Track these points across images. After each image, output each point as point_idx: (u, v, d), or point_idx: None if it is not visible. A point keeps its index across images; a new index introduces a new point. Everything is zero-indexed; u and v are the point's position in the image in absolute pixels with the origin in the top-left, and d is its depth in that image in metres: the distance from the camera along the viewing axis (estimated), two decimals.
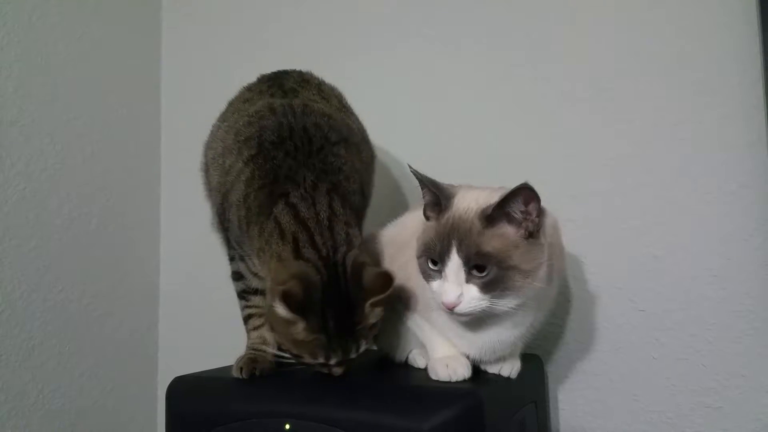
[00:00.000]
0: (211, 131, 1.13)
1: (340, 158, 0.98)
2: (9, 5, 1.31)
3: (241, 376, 0.94)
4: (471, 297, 0.80)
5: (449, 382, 0.86)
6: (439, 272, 0.83)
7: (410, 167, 0.90)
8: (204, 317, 1.54)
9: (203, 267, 1.49)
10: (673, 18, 1.20)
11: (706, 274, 1.14)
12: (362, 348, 0.89)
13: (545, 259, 0.84)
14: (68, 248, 1.40)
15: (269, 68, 1.55)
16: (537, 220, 0.82)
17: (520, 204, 0.81)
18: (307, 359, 0.88)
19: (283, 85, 1.09)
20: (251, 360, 0.97)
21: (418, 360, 0.99)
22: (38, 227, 1.34)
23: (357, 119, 1.14)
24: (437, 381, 0.87)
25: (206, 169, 1.11)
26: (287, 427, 0.84)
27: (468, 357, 0.91)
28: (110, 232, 1.51)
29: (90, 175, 1.47)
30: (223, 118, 1.12)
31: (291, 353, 0.90)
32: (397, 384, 0.94)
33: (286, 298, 0.83)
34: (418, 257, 0.87)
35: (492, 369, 0.93)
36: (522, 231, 0.82)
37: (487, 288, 0.80)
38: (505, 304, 0.81)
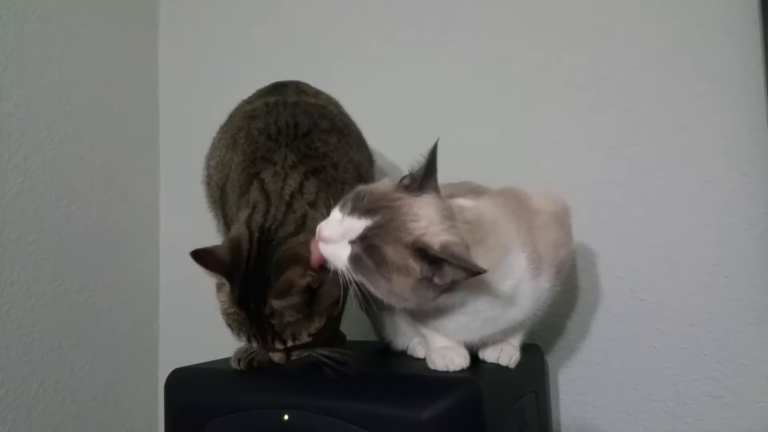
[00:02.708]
0: (212, 144, 1.13)
1: (329, 145, 0.97)
2: None
3: (239, 368, 0.94)
4: (339, 254, 0.78)
5: (447, 372, 0.86)
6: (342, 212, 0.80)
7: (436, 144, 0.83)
8: (204, 309, 1.53)
9: None
10: (673, 5, 1.19)
11: (707, 263, 1.14)
12: (289, 343, 0.85)
13: (422, 302, 0.79)
14: (67, 242, 1.40)
15: (265, 62, 1.56)
16: (446, 286, 0.77)
17: (446, 271, 0.75)
18: (236, 336, 0.88)
19: (280, 93, 1.08)
20: (249, 351, 0.97)
21: (417, 350, 0.99)
22: (37, 221, 1.34)
23: (355, 126, 1.13)
24: (436, 371, 0.87)
25: (208, 181, 1.11)
26: (286, 417, 0.84)
27: (462, 342, 0.90)
28: (109, 225, 1.51)
29: (88, 168, 1.46)
30: (224, 129, 1.11)
31: (225, 323, 0.89)
32: (396, 374, 0.93)
33: (196, 255, 0.84)
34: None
35: (490, 358, 0.92)
36: (424, 278, 0.76)
37: (355, 264, 0.77)
38: (367, 287, 0.78)
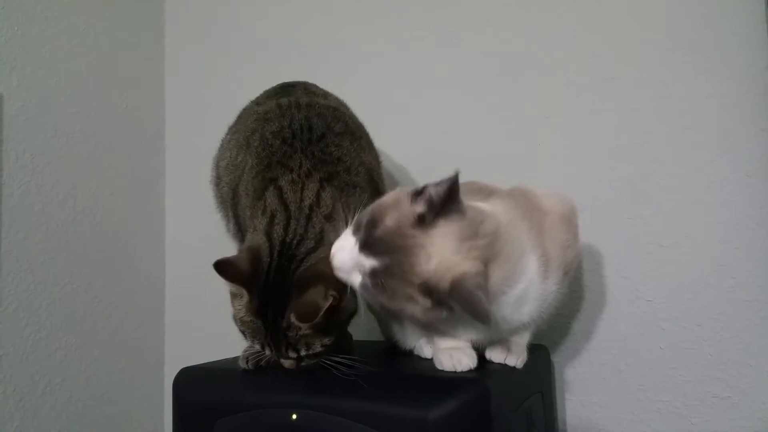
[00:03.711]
0: (221, 145, 1.13)
1: (342, 149, 0.97)
2: None
3: (247, 367, 0.94)
4: (351, 279, 0.80)
5: (455, 372, 0.86)
6: (355, 238, 0.80)
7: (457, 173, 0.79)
8: (211, 308, 1.54)
9: (209, 258, 1.49)
10: (677, 5, 1.19)
11: (713, 264, 1.14)
12: (302, 353, 0.86)
13: (437, 320, 0.81)
14: (74, 241, 1.40)
15: (271, 62, 1.57)
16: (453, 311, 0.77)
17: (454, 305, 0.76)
18: (249, 341, 0.89)
19: (290, 94, 1.09)
20: (259, 353, 0.97)
21: (425, 350, 0.99)
22: (43, 220, 1.34)
23: (363, 127, 1.12)
24: (443, 371, 0.87)
25: (217, 182, 1.11)
26: (294, 416, 0.84)
27: (470, 342, 0.90)
28: (116, 224, 1.51)
29: (95, 168, 1.47)
30: (234, 131, 1.11)
31: (238, 329, 0.90)
32: (403, 374, 0.94)
33: (217, 266, 0.84)
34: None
35: (497, 359, 0.92)
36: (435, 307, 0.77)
37: (366, 291, 0.79)
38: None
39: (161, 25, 1.70)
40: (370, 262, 0.77)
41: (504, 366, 0.92)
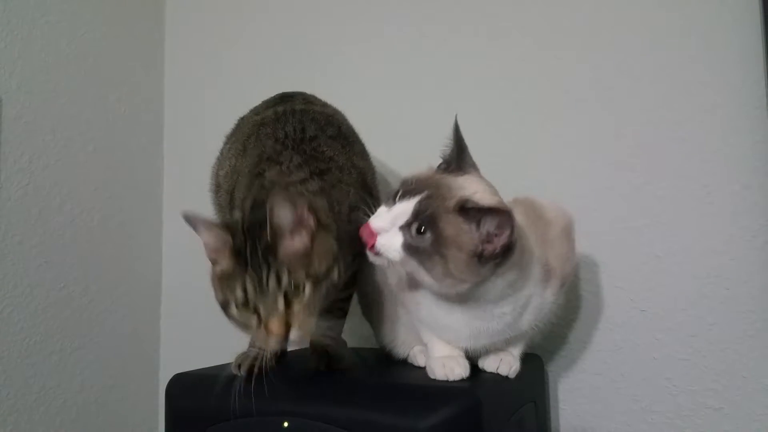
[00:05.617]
0: (221, 154, 1.13)
1: (334, 150, 0.97)
2: (12, 2, 1.31)
3: (240, 374, 0.94)
4: (392, 243, 0.80)
5: (447, 382, 0.86)
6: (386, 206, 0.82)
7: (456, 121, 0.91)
8: (206, 314, 1.54)
9: (205, 264, 1.49)
10: (675, 16, 1.19)
11: (707, 275, 1.14)
12: (284, 281, 0.81)
13: (476, 279, 0.79)
14: (70, 245, 1.40)
15: (270, 67, 1.57)
16: (498, 251, 0.77)
17: (493, 224, 0.77)
18: (230, 302, 0.85)
19: (287, 103, 1.09)
20: (251, 357, 0.97)
21: (418, 358, 0.99)
22: (40, 224, 1.34)
23: (360, 138, 1.12)
24: (436, 380, 0.87)
25: (216, 190, 1.11)
26: (285, 424, 0.84)
27: (460, 348, 0.90)
28: (112, 228, 1.51)
29: (92, 171, 1.47)
30: (233, 140, 1.12)
31: (219, 303, 0.88)
32: (396, 382, 0.94)
33: (187, 216, 0.86)
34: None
35: (490, 368, 0.93)
36: (477, 248, 0.77)
37: (409, 249, 0.79)
38: (419, 275, 0.80)
39: (161, 31, 1.71)
40: (412, 202, 0.80)
41: (497, 375, 0.92)
